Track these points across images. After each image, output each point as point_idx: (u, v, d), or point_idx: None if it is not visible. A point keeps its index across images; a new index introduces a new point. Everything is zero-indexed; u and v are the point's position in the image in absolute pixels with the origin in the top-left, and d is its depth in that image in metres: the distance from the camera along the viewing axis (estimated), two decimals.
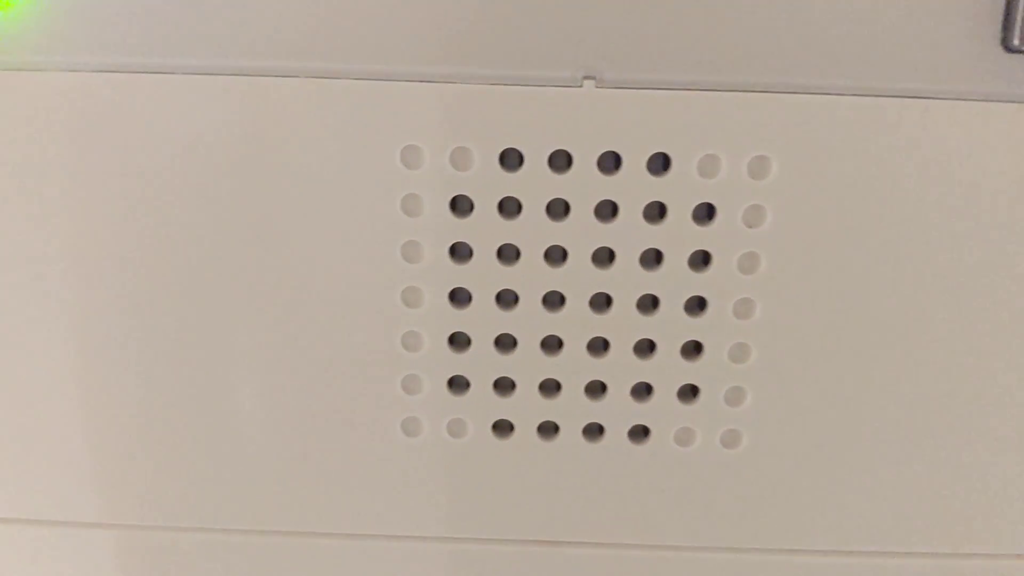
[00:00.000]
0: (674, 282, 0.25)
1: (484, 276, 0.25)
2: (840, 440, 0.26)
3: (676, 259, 0.25)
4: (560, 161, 0.24)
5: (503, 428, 0.27)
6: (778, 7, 0.23)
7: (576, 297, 0.25)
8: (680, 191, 0.24)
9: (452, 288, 0.25)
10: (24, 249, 0.26)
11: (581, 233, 0.25)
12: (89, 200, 0.25)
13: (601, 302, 0.26)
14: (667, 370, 0.26)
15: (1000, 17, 0.23)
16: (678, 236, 0.25)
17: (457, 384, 0.27)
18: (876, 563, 0.28)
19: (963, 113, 0.24)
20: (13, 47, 0.24)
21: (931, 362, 0.26)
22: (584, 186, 0.24)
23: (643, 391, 0.26)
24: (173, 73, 0.24)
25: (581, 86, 0.24)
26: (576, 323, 0.26)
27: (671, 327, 0.25)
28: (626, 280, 0.25)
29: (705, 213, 0.25)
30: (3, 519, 0.29)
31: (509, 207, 0.25)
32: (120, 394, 0.27)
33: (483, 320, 0.26)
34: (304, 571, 0.29)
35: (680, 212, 0.24)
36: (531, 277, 0.25)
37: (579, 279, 0.25)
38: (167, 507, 0.29)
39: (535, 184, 0.24)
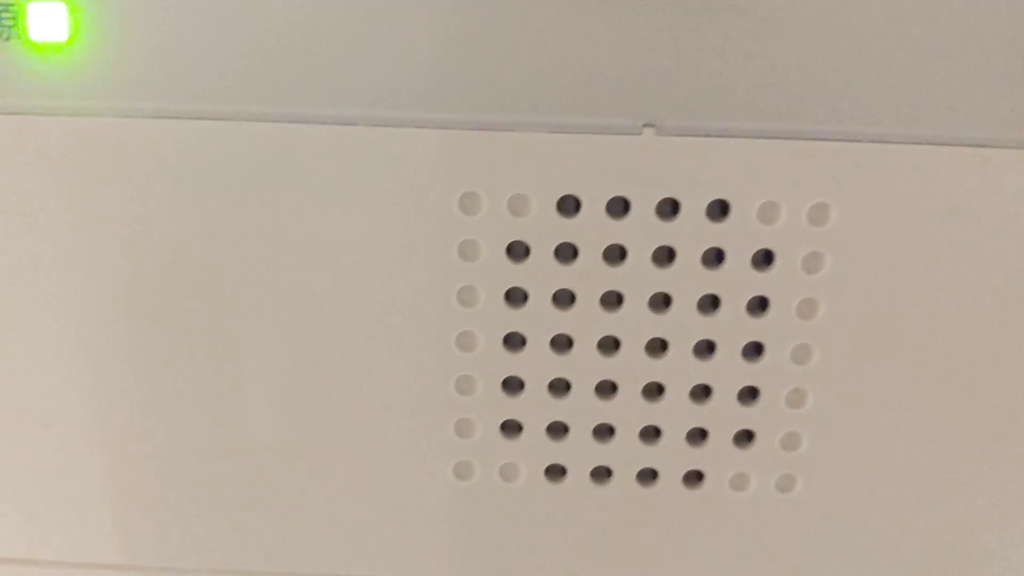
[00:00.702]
0: (731, 327, 0.25)
1: (538, 320, 0.25)
2: (897, 483, 0.26)
3: (734, 304, 0.25)
4: (618, 207, 0.24)
5: (555, 472, 0.27)
6: (837, 57, 0.23)
7: (632, 342, 0.25)
8: (739, 237, 0.24)
9: (507, 332, 0.26)
10: (54, 287, 0.26)
11: (638, 279, 0.25)
12: (136, 243, 0.25)
13: (657, 347, 0.26)
14: (724, 416, 0.26)
15: None
16: (736, 282, 0.25)
17: (509, 428, 0.27)
18: None
19: (1009, 160, 0.24)
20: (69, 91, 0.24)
21: (988, 409, 0.26)
22: (642, 232, 0.24)
23: (698, 436, 0.26)
24: (229, 120, 0.24)
25: (641, 134, 0.24)
26: (632, 368, 0.26)
27: (728, 372, 0.25)
28: (684, 326, 0.25)
29: (763, 258, 0.25)
30: (21, 560, 0.29)
31: (565, 252, 0.25)
32: (143, 432, 0.27)
33: (538, 365, 0.26)
34: None
35: (739, 258, 0.24)
36: (586, 322, 0.25)
37: (635, 324, 0.25)
38: (197, 550, 0.29)
39: (592, 230, 0.24)
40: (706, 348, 0.26)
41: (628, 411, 0.26)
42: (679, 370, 0.25)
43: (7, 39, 0.24)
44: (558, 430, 0.27)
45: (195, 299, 0.26)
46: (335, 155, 0.24)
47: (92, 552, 0.29)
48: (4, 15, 0.24)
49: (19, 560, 0.29)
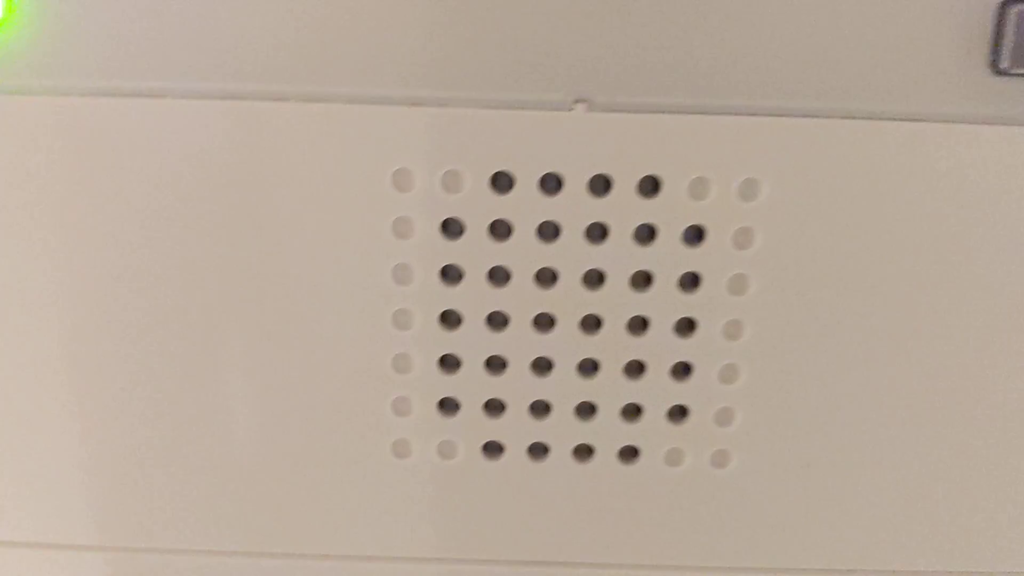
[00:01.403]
0: (664, 303, 0.25)
1: (474, 298, 0.25)
2: (827, 459, 0.27)
3: (666, 281, 0.25)
4: (551, 183, 0.24)
5: (493, 449, 0.27)
6: (767, 31, 0.23)
7: (566, 318, 0.25)
8: (670, 213, 0.24)
9: (443, 310, 0.25)
10: (17, 271, 0.26)
11: (572, 255, 0.25)
12: (84, 222, 0.25)
13: (591, 323, 0.26)
14: (656, 390, 0.26)
15: (989, 40, 0.23)
16: (668, 258, 0.25)
17: (447, 405, 0.27)
18: None
19: (953, 135, 0.24)
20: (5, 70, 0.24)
21: (916, 380, 0.26)
22: (575, 208, 0.24)
23: (633, 412, 0.26)
24: (165, 97, 0.24)
25: (572, 109, 0.24)
26: (566, 344, 0.26)
27: (661, 348, 0.26)
28: (616, 301, 0.25)
29: (695, 235, 0.25)
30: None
31: (500, 229, 0.25)
32: (112, 416, 0.27)
33: (474, 341, 0.26)
34: None
35: (670, 234, 0.24)
36: (521, 299, 0.25)
37: (569, 300, 0.25)
38: (158, 529, 0.28)
39: (526, 206, 0.24)
40: (640, 324, 0.26)
41: (563, 388, 0.26)
42: (613, 346, 0.26)
43: None
44: (495, 407, 0.27)
45: (136, 281, 0.25)
46: (269, 131, 0.24)
47: (67, 533, 0.29)
48: None
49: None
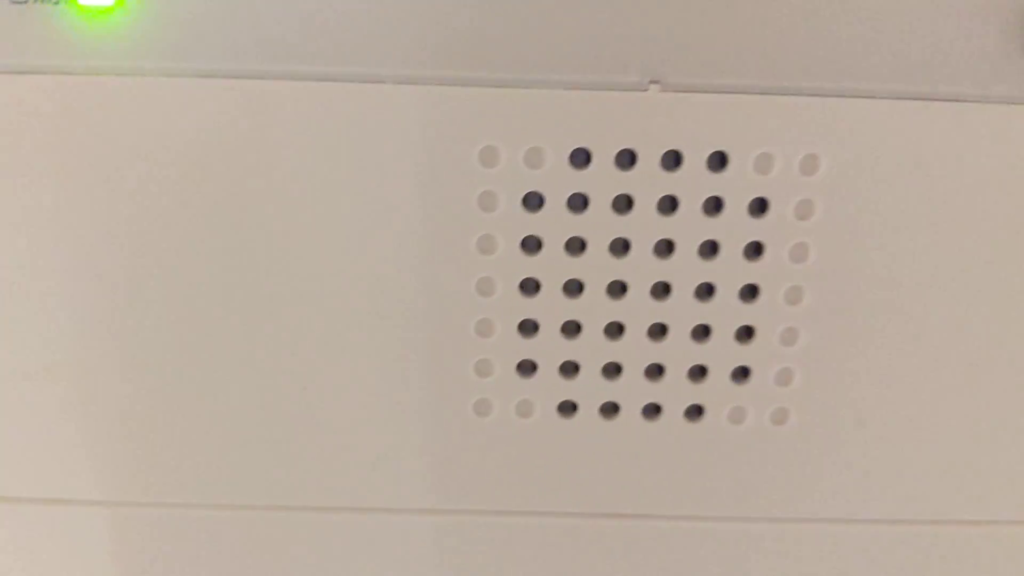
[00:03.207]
0: (729, 271, 0.27)
1: (552, 267, 0.27)
2: (880, 416, 0.29)
3: (731, 250, 0.27)
4: (625, 159, 0.26)
5: (567, 409, 0.29)
6: (827, 17, 0.25)
7: (638, 286, 0.27)
8: (737, 186, 0.26)
9: (522, 278, 0.28)
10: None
11: (643, 226, 0.27)
12: (173, 198, 0.27)
13: (660, 290, 0.28)
14: (721, 353, 0.28)
15: None
16: (734, 228, 0.27)
17: (525, 368, 0.29)
18: (918, 530, 0.30)
19: (994, 116, 0.26)
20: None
21: (969, 346, 0.28)
22: (647, 182, 0.26)
23: (698, 373, 0.28)
24: (274, 79, 0.26)
25: (647, 90, 0.26)
26: (637, 310, 0.28)
27: (726, 313, 0.28)
28: (685, 270, 0.27)
29: (759, 207, 0.27)
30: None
31: (577, 202, 0.27)
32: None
33: (550, 308, 0.28)
34: (368, 544, 0.31)
35: (736, 206, 0.26)
36: (596, 267, 0.27)
37: (641, 269, 0.27)
38: (219, 481, 0.30)
39: (601, 180, 0.26)
40: (706, 291, 0.28)
41: (634, 351, 0.28)
42: (681, 312, 0.28)
43: (56, 3, 0.26)
44: (570, 369, 0.29)
45: (224, 246, 0.27)
46: (364, 112, 0.26)
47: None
48: None
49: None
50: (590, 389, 0.29)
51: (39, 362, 0.29)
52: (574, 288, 0.28)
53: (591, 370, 0.28)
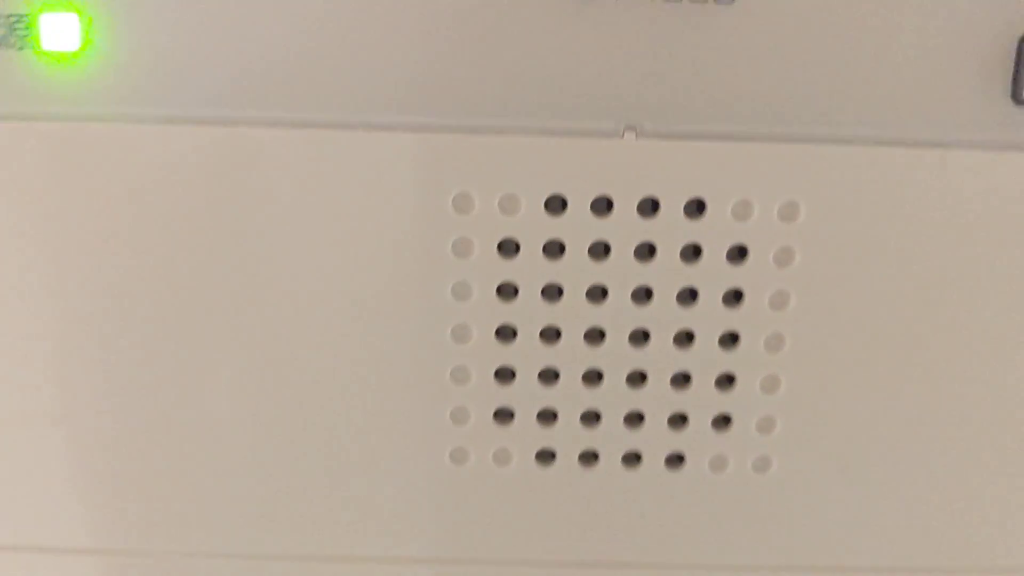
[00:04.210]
0: (708, 318, 0.27)
1: (529, 313, 0.27)
2: (863, 463, 0.28)
3: (710, 297, 0.26)
4: (601, 206, 0.26)
5: (546, 457, 0.29)
6: (805, 63, 0.25)
7: (616, 332, 0.27)
8: (715, 233, 0.26)
9: (499, 325, 0.27)
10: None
11: (621, 273, 0.26)
12: (136, 245, 0.26)
13: (639, 337, 0.27)
14: (701, 400, 0.27)
15: (1011, 73, 0.25)
16: (713, 275, 0.26)
17: (502, 415, 0.28)
18: None
19: (976, 162, 0.25)
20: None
21: (948, 392, 0.27)
22: (624, 229, 0.26)
23: (679, 421, 0.28)
24: (240, 126, 0.25)
25: (622, 137, 0.25)
26: (616, 357, 0.27)
27: (705, 360, 0.27)
28: (664, 317, 0.27)
29: (738, 254, 0.26)
30: None
31: (553, 249, 0.26)
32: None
33: (527, 354, 0.27)
34: None
35: (715, 253, 0.26)
36: (573, 314, 0.27)
37: (619, 316, 0.27)
38: (194, 532, 0.30)
39: (578, 227, 0.26)
40: (685, 338, 0.27)
41: (613, 398, 0.28)
42: (660, 358, 0.27)
43: (20, 48, 0.25)
44: (548, 417, 0.28)
45: (202, 291, 0.27)
46: (339, 158, 0.25)
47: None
48: (18, 25, 0.25)
49: None
50: (569, 437, 0.28)
51: (28, 409, 0.28)
52: (551, 335, 0.27)
53: (569, 418, 0.28)
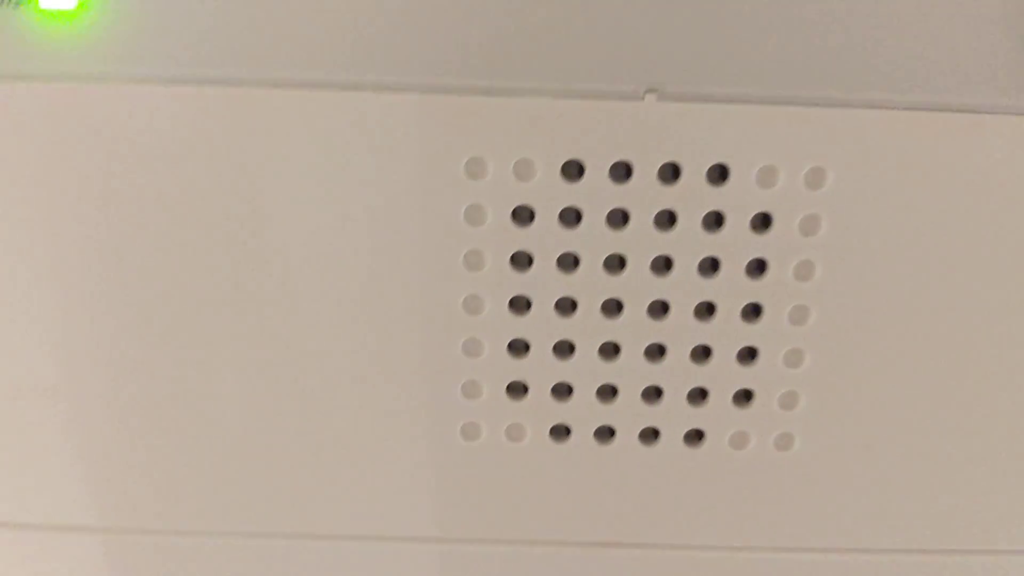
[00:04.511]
0: (731, 289, 0.26)
1: (543, 284, 0.26)
2: (886, 441, 0.27)
3: (733, 267, 0.25)
4: (620, 172, 0.25)
5: (560, 432, 0.28)
6: (834, 24, 0.23)
7: (634, 304, 0.26)
8: (738, 201, 0.25)
9: (512, 295, 0.26)
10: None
11: (640, 242, 0.25)
12: (131, 206, 0.26)
13: (658, 309, 0.26)
14: (722, 375, 0.27)
15: None
16: (736, 244, 0.25)
17: (515, 389, 0.27)
18: (921, 560, 0.29)
19: (1006, 127, 0.24)
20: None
21: (974, 364, 0.26)
22: (644, 196, 0.25)
23: (699, 395, 0.27)
24: (242, 85, 0.24)
25: (643, 99, 0.24)
26: (634, 329, 0.26)
27: (727, 333, 0.26)
28: (684, 287, 0.26)
29: (762, 222, 0.25)
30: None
31: (569, 217, 0.25)
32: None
33: (542, 326, 0.26)
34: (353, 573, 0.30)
35: (738, 221, 0.25)
36: (590, 284, 0.26)
37: (637, 287, 0.26)
38: (210, 510, 0.29)
39: (595, 194, 0.25)
40: (706, 310, 0.26)
41: (631, 372, 0.27)
42: (680, 331, 0.26)
43: (17, 5, 0.24)
44: (562, 391, 0.27)
45: (205, 257, 0.26)
46: (345, 119, 0.24)
47: (60, 514, 0.29)
48: None
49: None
50: (584, 412, 0.27)
51: (34, 385, 0.28)
52: (567, 306, 0.26)
53: (585, 392, 0.27)
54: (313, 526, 0.29)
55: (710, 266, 0.26)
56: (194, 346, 0.27)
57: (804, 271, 0.25)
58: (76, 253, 0.26)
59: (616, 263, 0.26)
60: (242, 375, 0.27)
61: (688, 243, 0.25)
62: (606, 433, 0.28)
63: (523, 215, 0.25)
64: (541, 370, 0.27)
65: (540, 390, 0.27)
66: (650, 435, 0.28)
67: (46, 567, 0.30)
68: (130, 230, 0.26)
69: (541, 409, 0.27)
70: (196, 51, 0.24)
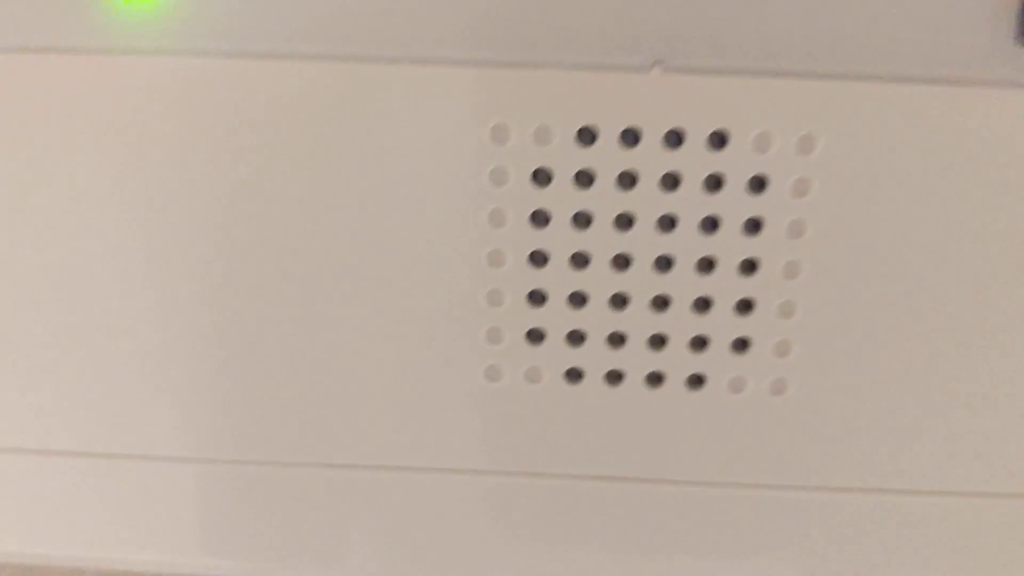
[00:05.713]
0: (729, 246, 0.28)
1: (560, 239, 0.29)
2: (878, 386, 0.30)
3: (731, 226, 0.28)
4: (629, 138, 0.28)
5: (574, 376, 0.30)
6: (825, 2, 0.26)
7: (641, 259, 0.29)
8: (736, 164, 0.27)
9: (532, 250, 0.29)
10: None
11: (647, 202, 0.28)
12: (213, 176, 0.29)
13: (663, 263, 0.29)
14: (721, 324, 0.29)
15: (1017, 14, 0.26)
16: (733, 204, 0.28)
17: (534, 336, 0.30)
18: (916, 501, 0.31)
19: (983, 99, 0.27)
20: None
21: (967, 317, 0.29)
22: (650, 160, 0.28)
23: (700, 344, 0.30)
24: (279, 59, 0.27)
25: (650, 71, 0.27)
26: (641, 283, 0.29)
27: (726, 286, 0.29)
28: (686, 244, 0.28)
29: (758, 184, 0.28)
30: (81, 453, 0.32)
31: (583, 178, 0.28)
32: (215, 330, 0.30)
33: (558, 279, 0.29)
34: (387, 501, 0.33)
35: (736, 183, 0.28)
36: (601, 241, 0.29)
37: (644, 243, 0.29)
38: (251, 440, 0.32)
39: (607, 157, 0.28)
40: (707, 265, 0.29)
41: (638, 321, 0.29)
42: (683, 284, 0.29)
43: None
44: (576, 338, 0.30)
45: (262, 216, 0.29)
46: (384, 91, 0.27)
47: (150, 444, 0.32)
48: None
49: (81, 453, 0.32)
50: (595, 358, 0.30)
51: (121, 320, 0.30)
52: (580, 260, 0.29)
53: (596, 339, 0.30)
54: (350, 456, 0.32)
55: (710, 224, 0.28)
56: (268, 291, 0.30)
57: (796, 229, 0.28)
58: (157, 207, 0.29)
59: (625, 221, 0.28)
60: (288, 318, 0.30)
61: (690, 203, 0.28)
62: (615, 377, 0.30)
63: (542, 177, 0.28)
64: (557, 318, 0.30)
65: (556, 337, 0.30)
66: (655, 379, 0.30)
67: (134, 498, 0.32)
68: (207, 192, 0.29)
69: (557, 354, 0.30)
70: (243, 27, 0.27)
